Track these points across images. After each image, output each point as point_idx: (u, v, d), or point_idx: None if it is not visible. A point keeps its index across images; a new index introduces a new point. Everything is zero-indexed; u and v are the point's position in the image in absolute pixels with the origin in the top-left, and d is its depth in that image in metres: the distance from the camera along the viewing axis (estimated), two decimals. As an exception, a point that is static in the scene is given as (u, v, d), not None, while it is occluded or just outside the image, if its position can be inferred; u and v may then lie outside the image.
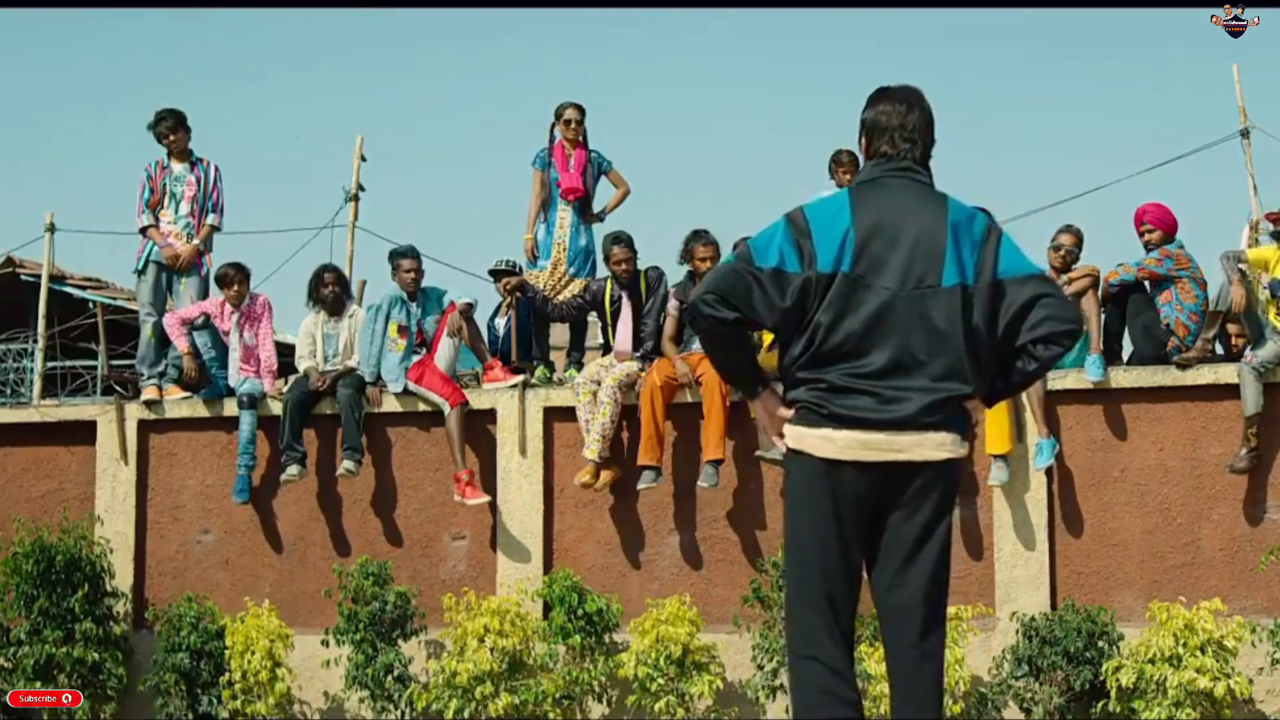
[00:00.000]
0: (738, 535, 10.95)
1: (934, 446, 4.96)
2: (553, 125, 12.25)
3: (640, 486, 10.84)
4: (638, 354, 11.24)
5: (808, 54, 43.49)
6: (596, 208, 12.35)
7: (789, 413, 5.04)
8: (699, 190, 44.55)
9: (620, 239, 11.53)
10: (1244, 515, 10.37)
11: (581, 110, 12.24)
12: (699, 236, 11.08)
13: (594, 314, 12.02)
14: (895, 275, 4.95)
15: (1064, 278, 10.76)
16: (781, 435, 5.08)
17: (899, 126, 5.16)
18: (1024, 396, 10.51)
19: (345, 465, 11.27)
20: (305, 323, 11.90)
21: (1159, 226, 10.81)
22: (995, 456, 10.45)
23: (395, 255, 11.70)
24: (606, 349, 11.63)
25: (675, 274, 11.46)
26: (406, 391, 11.45)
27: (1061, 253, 10.89)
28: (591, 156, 12.23)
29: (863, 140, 5.25)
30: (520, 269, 12.26)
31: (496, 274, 12.39)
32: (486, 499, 11.15)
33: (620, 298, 11.49)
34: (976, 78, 44.81)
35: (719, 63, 46.46)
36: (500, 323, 12.39)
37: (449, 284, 11.96)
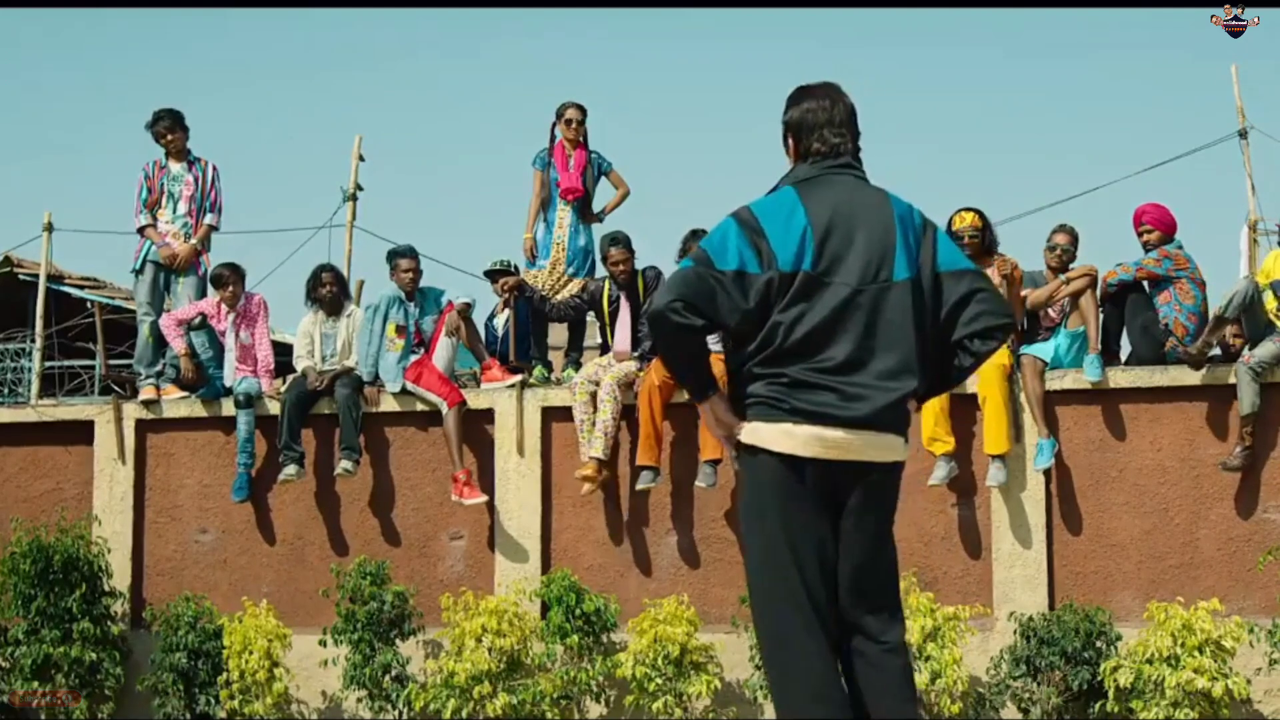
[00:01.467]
0: (736, 535, 10.92)
1: (885, 448, 5.00)
2: (554, 125, 12.24)
3: (639, 486, 10.84)
4: (635, 354, 11.23)
5: (804, 53, 43.47)
6: (596, 208, 12.35)
7: (741, 425, 4.99)
8: (697, 190, 44.55)
9: (618, 240, 11.52)
10: (1242, 515, 10.37)
11: (583, 110, 12.24)
12: (698, 236, 11.05)
13: (592, 314, 12.01)
14: (855, 271, 4.95)
15: (1061, 277, 10.77)
16: (731, 438, 5.05)
17: (827, 122, 5.13)
18: (1022, 396, 10.52)
19: (343, 465, 11.27)
20: (303, 322, 11.89)
21: (1157, 227, 10.80)
22: (994, 457, 10.44)
23: (394, 255, 11.69)
24: (604, 349, 11.62)
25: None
26: (404, 391, 11.45)
27: (1057, 252, 10.88)
28: (592, 157, 12.23)
29: (790, 141, 5.20)
30: (516, 269, 12.25)
31: (492, 274, 12.38)
32: (484, 499, 11.14)
33: (619, 298, 11.48)
34: (974, 77, 44.83)
35: (719, 62, 46.46)
36: (499, 322, 12.39)
37: (447, 284, 11.97)
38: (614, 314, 11.49)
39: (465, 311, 11.49)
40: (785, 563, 4.96)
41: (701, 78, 46.43)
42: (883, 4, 27.90)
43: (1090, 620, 9.99)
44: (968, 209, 10.73)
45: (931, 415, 10.35)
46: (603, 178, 12.35)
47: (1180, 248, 10.77)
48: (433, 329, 11.54)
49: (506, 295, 12.08)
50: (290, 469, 11.35)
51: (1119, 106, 42.02)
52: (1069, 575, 10.58)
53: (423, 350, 11.53)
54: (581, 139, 12.22)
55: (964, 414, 10.53)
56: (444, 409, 11.20)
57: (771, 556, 4.98)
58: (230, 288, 11.83)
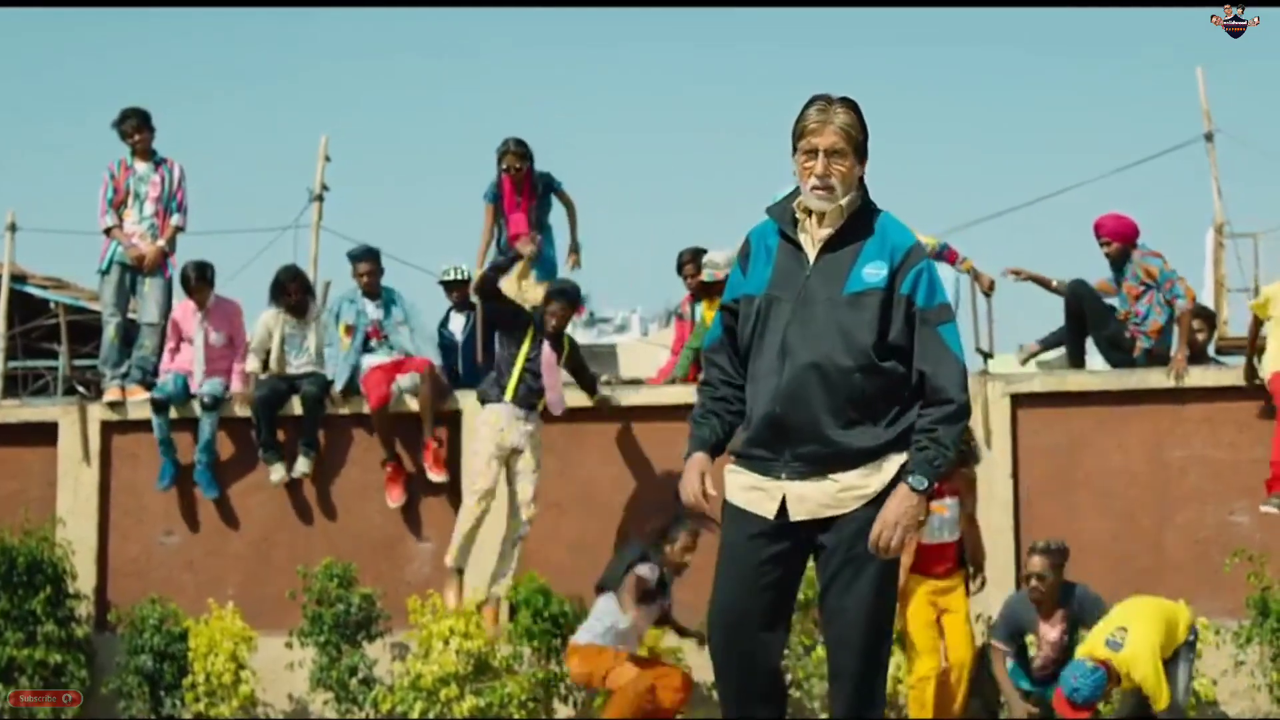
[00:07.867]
0: (705, 539, 10.93)
1: None
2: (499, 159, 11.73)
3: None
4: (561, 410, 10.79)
5: (784, 53, 43.59)
6: (556, 238, 12.02)
7: None
8: (680, 189, 44.59)
9: (564, 293, 10.80)
10: (1209, 518, 10.42)
11: (521, 150, 11.64)
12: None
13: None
14: None
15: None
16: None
17: None
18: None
19: (298, 467, 11.32)
20: (265, 316, 11.74)
21: (1115, 239, 10.87)
22: None
23: (351, 257, 11.67)
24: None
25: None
26: (350, 390, 11.40)
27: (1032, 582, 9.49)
28: (538, 179, 11.78)
29: (863, 161, 5.00)
30: (470, 277, 12.00)
31: (447, 285, 12.25)
32: (445, 478, 11.13)
33: (541, 342, 10.66)
34: (939, 80, 44.99)
35: (696, 63, 46.52)
36: (456, 329, 12.18)
37: (411, 284, 11.94)
38: (533, 350, 10.67)
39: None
40: None
41: (679, 78, 46.49)
42: (844, 4, 28.05)
43: (1057, 622, 9.99)
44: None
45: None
46: (552, 195, 12.09)
47: (1148, 257, 10.77)
48: (395, 330, 11.50)
49: (480, 296, 11.98)
50: (279, 467, 11.36)
51: (1084, 110, 42.26)
52: (1036, 578, 10.60)
53: (386, 349, 11.48)
54: (526, 171, 11.66)
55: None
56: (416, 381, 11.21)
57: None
58: (200, 289, 11.70)
